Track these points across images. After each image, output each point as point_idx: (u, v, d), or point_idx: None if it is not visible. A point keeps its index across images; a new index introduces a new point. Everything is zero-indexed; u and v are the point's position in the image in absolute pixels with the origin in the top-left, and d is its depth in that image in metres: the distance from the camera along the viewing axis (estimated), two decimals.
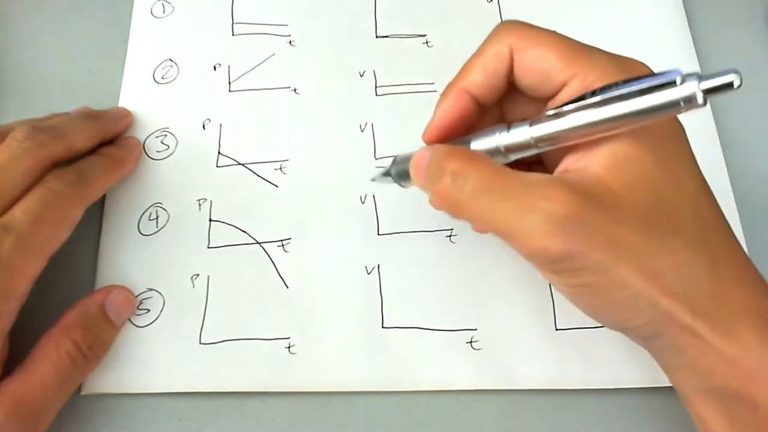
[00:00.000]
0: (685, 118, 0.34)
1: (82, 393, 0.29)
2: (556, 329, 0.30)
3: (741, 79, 0.17)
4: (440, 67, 0.36)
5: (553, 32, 0.24)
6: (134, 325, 0.30)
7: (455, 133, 0.25)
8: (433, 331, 0.30)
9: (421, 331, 0.30)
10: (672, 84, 0.18)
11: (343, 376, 0.29)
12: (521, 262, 0.31)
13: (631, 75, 0.21)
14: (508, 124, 0.23)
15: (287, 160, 0.34)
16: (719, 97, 0.35)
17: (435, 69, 0.36)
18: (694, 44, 0.36)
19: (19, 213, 0.27)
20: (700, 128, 0.34)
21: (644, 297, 0.21)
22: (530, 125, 0.22)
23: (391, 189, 0.33)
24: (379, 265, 0.31)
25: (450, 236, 0.32)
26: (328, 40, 0.37)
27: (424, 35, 0.37)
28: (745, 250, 0.31)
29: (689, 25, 0.37)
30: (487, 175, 0.22)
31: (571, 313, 0.30)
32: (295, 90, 0.36)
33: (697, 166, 0.23)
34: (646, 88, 0.19)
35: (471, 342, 0.30)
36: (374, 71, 0.36)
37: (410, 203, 0.33)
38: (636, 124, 0.20)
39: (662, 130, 0.22)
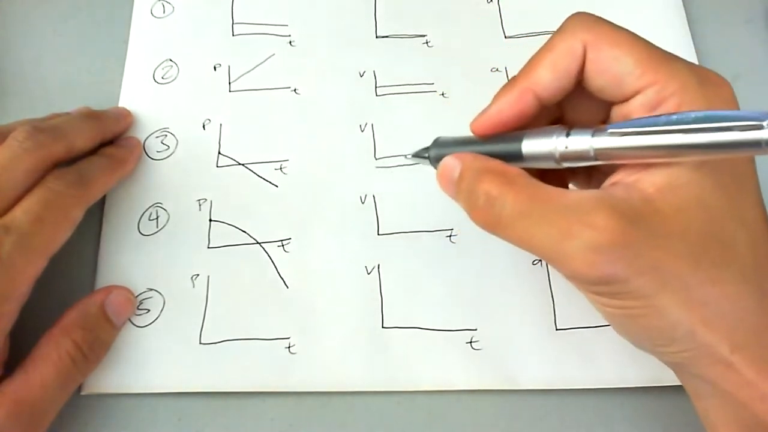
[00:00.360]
0: None
1: (82, 393, 0.29)
2: (556, 329, 0.30)
3: None
4: (440, 67, 0.36)
5: (632, 33, 0.22)
6: (134, 325, 0.30)
7: (508, 129, 0.24)
8: (433, 331, 0.30)
9: (421, 331, 0.30)
10: (758, 127, 0.17)
11: (343, 376, 0.29)
12: (521, 263, 0.31)
13: (712, 90, 0.20)
14: (569, 128, 0.21)
15: (287, 160, 0.34)
16: None
17: (435, 69, 0.36)
18: (694, 44, 0.36)
19: (19, 213, 0.27)
20: None
21: (683, 326, 0.20)
22: (593, 135, 0.20)
23: (391, 189, 0.33)
24: (379, 265, 0.31)
25: (450, 236, 0.32)
26: (328, 40, 0.37)
27: (424, 35, 0.37)
28: None
29: (689, 25, 0.37)
30: (524, 199, 0.21)
31: (571, 313, 0.30)
32: (295, 90, 0.36)
33: (761, 195, 0.22)
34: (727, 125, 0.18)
35: (471, 342, 0.30)
36: (374, 71, 0.36)
37: (410, 203, 0.33)
38: (710, 157, 0.19)
39: None
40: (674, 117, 0.19)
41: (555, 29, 0.31)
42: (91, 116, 0.32)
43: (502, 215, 0.21)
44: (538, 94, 0.22)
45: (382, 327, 0.30)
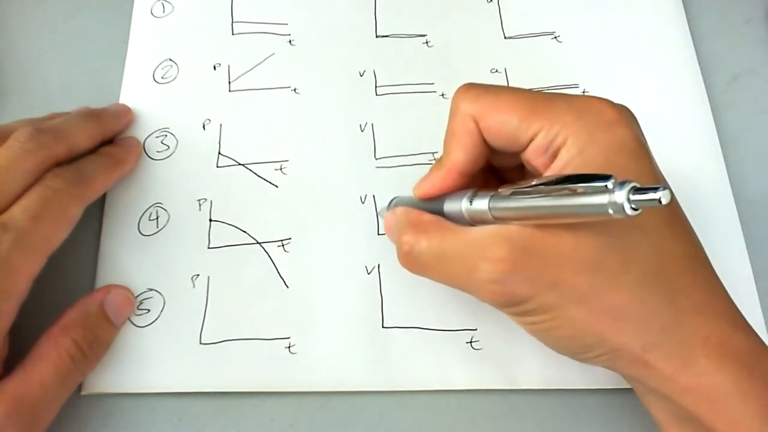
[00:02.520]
0: (685, 118, 0.34)
1: (82, 393, 0.29)
2: None
3: (670, 198, 0.17)
4: (440, 67, 0.36)
5: (511, 90, 0.25)
6: (134, 325, 0.30)
7: (441, 194, 0.27)
8: (433, 331, 0.30)
9: (421, 331, 0.30)
10: (603, 189, 0.18)
11: (343, 376, 0.29)
12: None
13: (592, 119, 0.23)
14: (474, 193, 0.24)
15: (287, 160, 0.34)
16: (719, 97, 0.35)
17: (435, 69, 0.36)
18: (694, 44, 0.36)
19: (18, 211, 0.27)
20: (700, 128, 0.34)
21: (591, 333, 0.22)
22: (489, 200, 0.23)
23: (391, 189, 0.33)
24: (379, 265, 0.31)
25: None
26: (328, 40, 0.37)
27: (424, 35, 0.37)
28: (745, 250, 0.31)
29: (689, 25, 0.37)
30: (435, 242, 0.24)
31: None
32: (295, 90, 0.36)
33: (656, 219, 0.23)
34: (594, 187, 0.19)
35: (471, 342, 0.30)
36: (374, 71, 0.36)
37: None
38: (578, 220, 0.21)
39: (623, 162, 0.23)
40: (540, 183, 0.21)
41: (554, 30, 0.34)
42: (92, 116, 0.32)
43: (421, 258, 0.25)
44: (461, 172, 0.26)
45: (382, 327, 0.30)
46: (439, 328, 0.30)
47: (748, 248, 0.32)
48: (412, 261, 0.25)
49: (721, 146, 0.34)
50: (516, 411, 0.29)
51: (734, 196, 0.33)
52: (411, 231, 0.25)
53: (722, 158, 0.33)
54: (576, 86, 0.35)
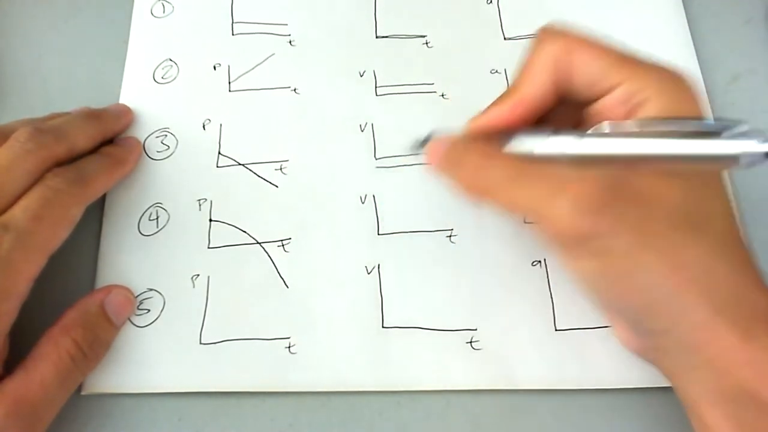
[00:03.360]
0: None
1: (82, 393, 0.29)
2: (556, 329, 0.30)
3: None
4: (440, 67, 0.36)
5: (598, 38, 0.24)
6: (134, 325, 0.30)
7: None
8: (433, 331, 0.30)
9: (421, 331, 0.30)
10: (738, 135, 0.18)
11: (343, 376, 0.29)
12: (521, 263, 0.31)
13: (676, 85, 0.22)
14: (552, 130, 0.23)
15: (287, 160, 0.34)
16: (719, 97, 0.35)
17: (435, 69, 0.36)
18: (694, 44, 0.36)
19: (18, 212, 0.27)
20: None
21: (666, 286, 0.21)
22: (582, 137, 0.22)
23: (391, 189, 0.33)
24: (379, 265, 0.31)
25: (450, 236, 0.32)
26: (328, 40, 0.37)
27: (424, 35, 0.37)
28: None
29: (689, 25, 0.37)
30: (510, 165, 0.23)
31: (571, 314, 0.30)
32: (295, 90, 0.36)
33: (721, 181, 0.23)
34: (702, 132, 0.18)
35: (471, 342, 0.30)
36: (374, 71, 0.36)
37: (410, 203, 0.33)
38: (685, 168, 0.20)
39: None
40: (643, 122, 0.20)
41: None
42: (92, 116, 0.32)
43: (490, 180, 0.23)
44: (527, 107, 0.24)
45: (382, 327, 0.30)
46: (439, 328, 0.30)
47: (747, 248, 0.31)
48: (479, 182, 0.24)
49: None
50: (516, 411, 0.29)
51: (734, 196, 0.33)
52: (481, 152, 0.24)
53: None
54: None
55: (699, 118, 0.19)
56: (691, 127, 0.19)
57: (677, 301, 0.21)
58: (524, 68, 0.25)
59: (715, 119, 0.18)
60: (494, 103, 0.25)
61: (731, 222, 0.22)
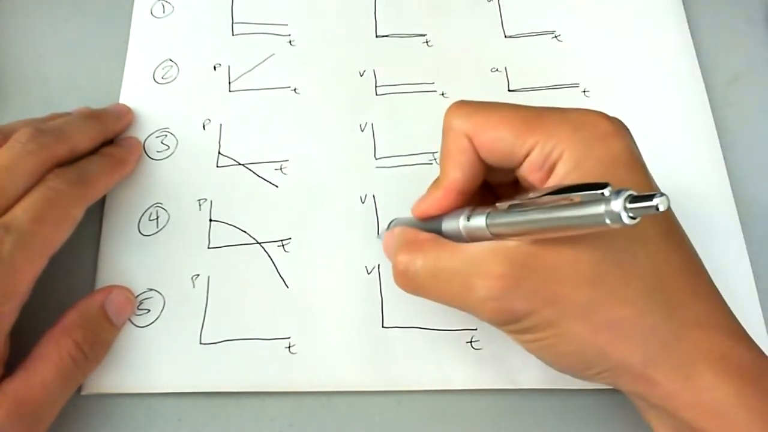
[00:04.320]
0: (685, 118, 0.34)
1: (82, 393, 0.29)
2: None
3: (668, 204, 0.17)
4: (440, 66, 0.36)
5: (504, 106, 0.25)
6: (134, 325, 0.30)
7: (440, 214, 0.27)
8: (433, 331, 0.30)
9: (421, 331, 0.30)
10: (599, 198, 0.18)
11: (343, 376, 0.29)
12: None
13: (588, 131, 0.22)
14: (471, 211, 0.24)
15: (287, 160, 0.34)
16: (719, 97, 0.35)
17: (435, 69, 0.36)
18: (694, 44, 0.36)
19: (20, 212, 0.27)
20: (700, 128, 0.34)
21: (592, 349, 0.22)
22: (487, 216, 0.23)
23: (391, 189, 0.33)
24: (379, 265, 0.31)
25: None
26: (328, 40, 0.37)
27: (424, 35, 0.37)
28: (745, 250, 0.31)
29: (689, 25, 0.37)
30: (431, 260, 0.24)
31: None
32: (295, 90, 0.36)
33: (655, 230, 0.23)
34: (590, 198, 0.19)
35: (471, 342, 0.30)
36: (374, 71, 0.36)
37: (410, 203, 0.32)
38: (576, 232, 0.20)
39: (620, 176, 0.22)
40: (537, 195, 0.21)
41: (554, 29, 0.34)
42: (93, 116, 0.32)
43: (417, 278, 0.25)
44: (459, 191, 0.25)
45: (382, 327, 0.30)
46: (439, 328, 0.30)
47: (748, 249, 0.32)
48: (407, 281, 0.25)
49: (721, 146, 0.34)
50: (516, 411, 0.29)
51: (734, 196, 0.33)
52: (406, 249, 0.25)
53: (722, 158, 0.33)
54: (576, 85, 0.35)
55: (580, 186, 0.19)
56: (580, 193, 0.19)
57: (608, 359, 0.22)
58: (442, 156, 0.26)
59: (585, 185, 0.19)
60: (430, 190, 0.26)
61: (658, 264, 0.22)
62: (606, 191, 0.18)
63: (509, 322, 0.23)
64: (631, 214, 0.18)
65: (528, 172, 0.24)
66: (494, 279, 0.22)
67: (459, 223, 0.24)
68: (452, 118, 0.25)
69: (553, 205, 0.20)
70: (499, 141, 0.24)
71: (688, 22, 0.37)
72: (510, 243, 0.22)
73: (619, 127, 0.23)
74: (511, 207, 0.22)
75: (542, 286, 0.21)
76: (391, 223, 0.30)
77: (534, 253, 0.22)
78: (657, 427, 0.24)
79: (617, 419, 0.29)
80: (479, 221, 0.23)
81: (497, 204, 0.23)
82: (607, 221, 0.18)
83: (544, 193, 0.21)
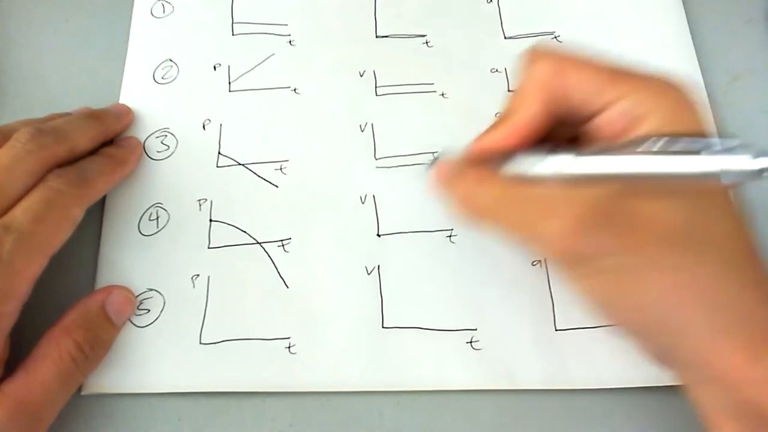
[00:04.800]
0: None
1: (82, 393, 0.29)
2: (556, 329, 0.30)
3: None
4: (440, 67, 0.36)
5: (589, 56, 0.24)
6: (134, 325, 0.30)
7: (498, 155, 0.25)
8: (433, 331, 0.30)
9: (421, 331, 0.30)
10: (717, 150, 0.17)
11: (343, 376, 0.29)
12: (521, 263, 0.31)
13: (676, 95, 0.22)
14: (550, 149, 0.22)
15: (287, 160, 0.34)
16: (719, 97, 0.35)
17: (435, 69, 0.36)
18: (694, 44, 0.36)
19: (20, 213, 0.27)
20: None
21: (665, 305, 0.21)
22: (575, 154, 0.21)
23: (391, 189, 0.33)
24: (379, 266, 0.31)
25: (450, 236, 0.32)
26: (328, 40, 0.37)
27: (424, 35, 0.37)
28: None
29: (689, 25, 0.37)
30: (500, 187, 0.23)
31: (571, 313, 0.30)
32: (295, 90, 0.36)
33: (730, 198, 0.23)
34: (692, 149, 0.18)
35: (471, 342, 0.30)
36: (374, 71, 0.36)
37: (410, 203, 0.33)
38: (678, 186, 0.20)
39: None
40: (633, 141, 0.20)
41: (554, 30, 0.34)
42: (93, 116, 0.32)
43: (483, 202, 0.24)
44: (529, 130, 0.24)
45: (382, 327, 0.30)
46: (439, 328, 0.30)
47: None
48: (472, 201, 0.24)
49: None
50: (516, 411, 0.29)
51: (734, 196, 0.33)
52: (475, 174, 0.24)
53: None
54: None
55: (693, 134, 0.19)
56: (682, 143, 0.18)
57: (677, 320, 0.21)
58: (516, 93, 0.25)
59: (711, 135, 0.18)
60: (491, 128, 0.25)
61: (740, 240, 0.22)
62: (734, 142, 0.17)
63: (582, 258, 0.22)
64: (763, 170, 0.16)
65: (605, 123, 0.23)
66: (578, 210, 0.21)
67: (532, 164, 0.22)
68: (537, 56, 0.24)
69: (659, 151, 0.18)
70: (583, 85, 0.23)
71: (688, 22, 0.37)
72: (581, 189, 0.21)
73: (696, 104, 0.23)
74: (601, 150, 0.21)
75: (627, 231, 0.21)
76: (435, 159, 0.29)
77: (623, 198, 0.21)
78: (706, 401, 0.22)
79: (617, 419, 0.29)
80: (560, 161, 0.21)
81: (583, 148, 0.22)
82: (733, 176, 0.17)
83: (639, 140, 0.19)
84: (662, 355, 0.23)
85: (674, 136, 0.19)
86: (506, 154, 0.24)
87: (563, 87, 0.23)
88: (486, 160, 0.25)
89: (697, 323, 0.21)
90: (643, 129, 0.22)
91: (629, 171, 0.20)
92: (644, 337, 0.23)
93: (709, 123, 0.34)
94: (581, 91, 0.23)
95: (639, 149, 0.19)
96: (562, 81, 0.23)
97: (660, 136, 0.19)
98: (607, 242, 0.21)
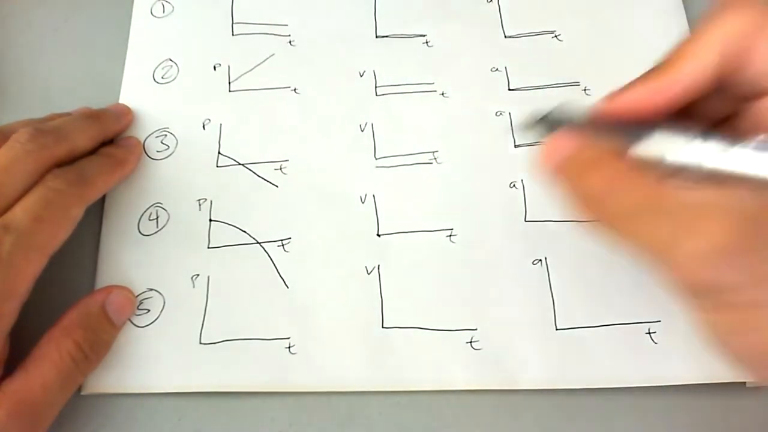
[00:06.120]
0: None
1: (82, 393, 0.29)
2: (556, 329, 0.30)
3: None
4: (440, 67, 0.36)
5: None
6: (134, 325, 0.30)
7: (638, 118, 0.21)
8: (433, 331, 0.30)
9: (421, 331, 0.30)
10: None
11: (343, 376, 0.29)
12: (521, 263, 0.31)
13: None
14: (702, 132, 0.18)
15: (287, 160, 0.34)
16: None
17: (435, 69, 0.36)
18: None
19: (19, 212, 0.27)
20: None
21: None
22: (737, 146, 0.17)
23: (391, 189, 0.33)
24: (379, 266, 0.31)
25: (450, 236, 0.32)
26: (328, 40, 0.37)
27: (424, 35, 0.37)
28: None
29: (689, 25, 0.37)
30: (636, 195, 0.19)
31: (571, 313, 0.30)
32: (295, 90, 0.36)
33: None
34: None
35: (471, 342, 0.30)
36: (374, 71, 0.36)
37: (410, 203, 0.33)
38: None
39: None
40: None
41: (554, 29, 0.30)
42: (92, 116, 0.33)
43: (614, 209, 0.20)
44: (679, 92, 0.20)
45: (382, 327, 0.30)
46: (439, 328, 0.30)
47: None
48: (602, 206, 0.20)
49: None
50: (516, 411, 0.29)
51: None
52: (605, 177, 0.19)
53: None
54: (577, 84, 0.35)
55: None
56: None
57: None
58: (689, 41, 0.20)
59: None
60: (639, 80, 0.21)
61: None
62: None
63: (709, 292, 0.18)
64: None
65: None
66: (717, 233, 0.17)
67: (677, 147, 0.18)
68: (732, 4, 0.20)
69: None
70: None
71: (688, 22, 0.37)
72: (745, 194, 0.17)
73: None
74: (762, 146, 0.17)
75: None
76: (547, 114, 0.22)
77: None
78: None
79: (617, 419, 0.29)
80: (712, 151, 0.17)
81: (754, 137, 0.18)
82: None
83: None
84: None
85: None
86: (645, 126, 0.19)
87: (750, 49, 0.19)
88: (618, 130, 0.20)
89: None
90: None
91: None
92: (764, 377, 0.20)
93: None
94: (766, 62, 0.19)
95: None
96: (752, 40, 0.19)
97: None
98: (744, 273, 0.17)
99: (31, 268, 0.27)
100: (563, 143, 0.21)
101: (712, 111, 0.21)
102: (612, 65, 0.36)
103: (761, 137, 0.17)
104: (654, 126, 0.19)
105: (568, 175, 0.21)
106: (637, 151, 0.19)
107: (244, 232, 0.32)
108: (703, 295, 0.19)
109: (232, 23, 0.37)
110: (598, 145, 0.21)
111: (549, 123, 0.22)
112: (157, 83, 0.36)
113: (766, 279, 0.17)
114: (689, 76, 0.19)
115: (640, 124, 0.19)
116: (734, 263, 0.17)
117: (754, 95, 0.20)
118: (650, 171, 0.19)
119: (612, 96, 0.21)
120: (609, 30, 0.37)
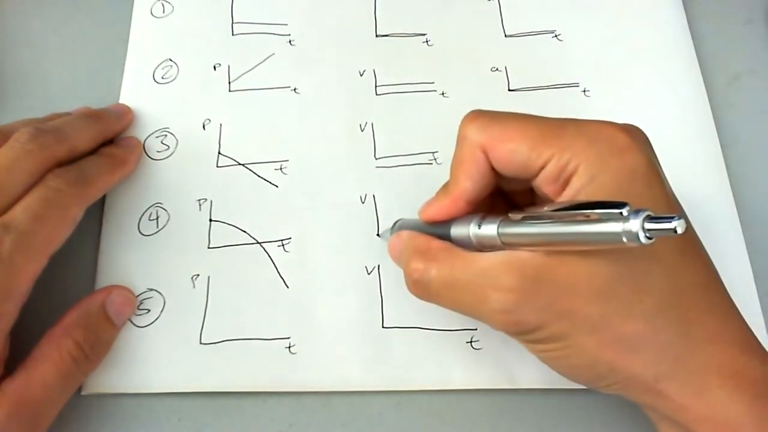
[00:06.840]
0: (686, 118, 0.34)
1: (83, 393, 0.29)
2: None
3: (685, 227, 0.17)
4: (440, 66, 0.36)
5: (519, 117, 0.25)
6: (135, 325, 0.30)
7: (447, 219, 0.26)
8: (433, 331, 0.30)
9: (421, 331, 0.30)
10: (617, 217, 0.18)
11: (343, 376, 0.29)
12: None
13: (604, 145, 0.22)
14: (482, 218, 0.24)
15: (287, 160, 0.34)
16: (719, 96, 0.35)
17: (435, 68, 0.36)
18: (694, 44, 0.36)
19: (19, 212, 0.27)
20: (700, 128, 0.34)
21: (602, 363, 0.22)
22: (498, 225, 0.23)
23: (391, 189, 0.33)
24: (379, 266, 0.31)
25: None
26: (328, 40, 0.37)
27: (424, 34, 0.37)
28: (745, 250, 0.31)
29: (689, 25, 0.37)
30: (446, 271, 0.24)
31: None
32: (295, 90, 0.36)
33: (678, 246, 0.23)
34: (604, 214, 0.19)
35: (471, 342, 0.30)
36: (374, 71, 0.36)
37: (410, 203, 0.32)
38: (590, 248, 0.20)
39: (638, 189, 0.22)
40: (552, 209, 0.21)
41: (555, 29, 0.34)
42: (92, 116, 0.33)
43: (431, 287, 0.25)
44: (469, 200, 0.25)
45: (382, 327, 0.30)
46: (439, 328, 0.30)
47: (748, 249, 0.32)
48: (422, 289, 0.25)
49: (721, 146, 0.34)
50: (516, 411, 0.29)
51: (734, 196, 0.33)
52: (420, 258, 0.25)
53: (722, 158, 0.33)
54: (576, 84, 0.35)
55: (597, 204, 0.19)
56: (591, 209, 0.19)
57: (618, 374, 0.22)
58: (454, 164, 0.26)
59: (603, 203, 0.19)
60: (438, 195, 0.26)
61: (674, 279, 0.22)
62: (624, 211, 0.18)
63: (521, 332, 0.23)
64: (648, 235, 0.18)
65: (543, 183, 0.23)
66: (506, 292, 0.22)
67: (469, 230, 0.24)
68: (467, 129, 0.25)
69: (569, 220, 0.20)
70: (515, 153, 0.24)
71: (688, 22, 0.37)
72: (522, 254, 0.22)
73: (637, 140, 0.23)
74: (524, 218, 0.22)
75: (554, 300, 0.21)
76: (395, 224, 0.30)
77: (547, 265, 0.22)
78: None
79: (617, 419, 0.29)
80: (490, 230, 0.23)
81: (510, 214, 0.23)
82: (624, 240, 0.18)
83: (560, 207, 0.21)
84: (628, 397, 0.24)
85: (587, 203, 0.20)
86: (451, 221, 0.26)
87: (497, 157, 0.24)
88: (437, 226, 0.26)
89: (639, 374, 0.22)
90: (574, 185, 0.22)
91: (547, 235, 0.21)
92: (603, 389, 0.24)
93: (708, 126, 0.34)
94: (515, 160, 0.24)
95: (554, 216, 0.21)
96: (494, 152, 0.24)
97: (575, 204, 0.20)
98: (541, 313, 0.22)
99: (32, 268, 0.27)
100: (395, 240, 0.28)
101: (518, 188, 0.27)
102: (612, 66, 0.36)
103: (513, 214, 0.23)
104: (452, 220, 0.25)
105: (397, 260, 0.27)
106: (451, 236, 0.25)
107: (244, 232, 0.32)
108: (518, 336, 0.23)
109: (232, 23, 0.37)
110: (417, 235, 0.26)
111: (396, 228, 0.29)
112: (157, 83, 0.36)
113: (562, 314, 0.21)
114: (466, 190, 0.25)
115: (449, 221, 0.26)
116: (528, 307, 0.22)
117: (527, 181, 0.24)
118: (460, 247, 0.25)
119: (423, 209, 0.27)
120: (609, 31, 0.37)
